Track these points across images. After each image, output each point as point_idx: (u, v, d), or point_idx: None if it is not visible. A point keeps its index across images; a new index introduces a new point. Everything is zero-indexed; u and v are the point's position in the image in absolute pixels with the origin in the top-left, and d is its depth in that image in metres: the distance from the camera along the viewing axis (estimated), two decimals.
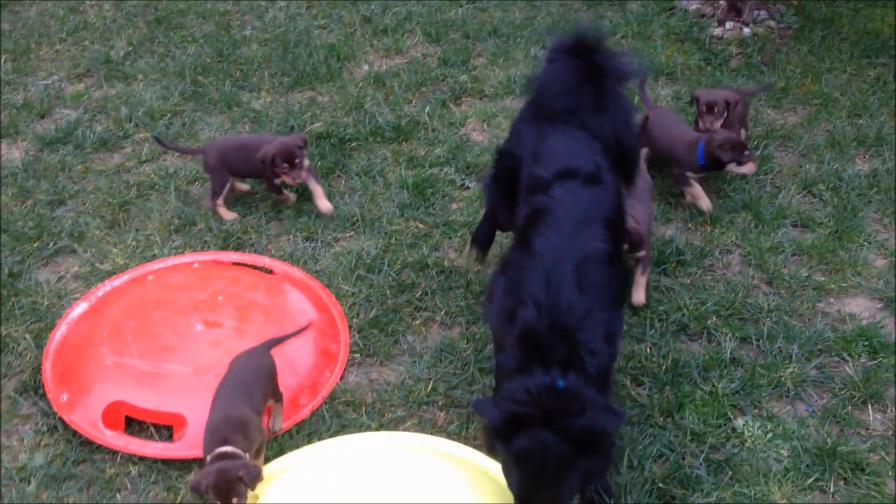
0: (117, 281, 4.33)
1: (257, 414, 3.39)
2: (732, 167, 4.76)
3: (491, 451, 3.10)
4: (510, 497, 3.10)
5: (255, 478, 3.14)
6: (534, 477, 2.93)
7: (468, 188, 5.08)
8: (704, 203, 4.81)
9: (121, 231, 4.78)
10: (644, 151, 4.87)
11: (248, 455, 3.21)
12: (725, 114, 4.96)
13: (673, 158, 4.90)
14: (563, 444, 2.88)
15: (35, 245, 4.66)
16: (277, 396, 3.63)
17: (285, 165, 4.71)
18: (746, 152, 4.75)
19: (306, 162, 4.80)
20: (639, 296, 4.22)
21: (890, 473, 3.49)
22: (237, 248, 4.64)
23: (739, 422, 3.69)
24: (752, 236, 4.65)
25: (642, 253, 4.19)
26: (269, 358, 3.61)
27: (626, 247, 4.00)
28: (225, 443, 3.19)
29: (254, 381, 3.49)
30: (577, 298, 3.12)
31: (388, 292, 4.35)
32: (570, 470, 2.91)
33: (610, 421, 3.00)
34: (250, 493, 3.14)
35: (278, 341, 3.71)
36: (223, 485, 3.08)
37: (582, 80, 3.70)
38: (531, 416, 2.92)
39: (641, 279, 4.24)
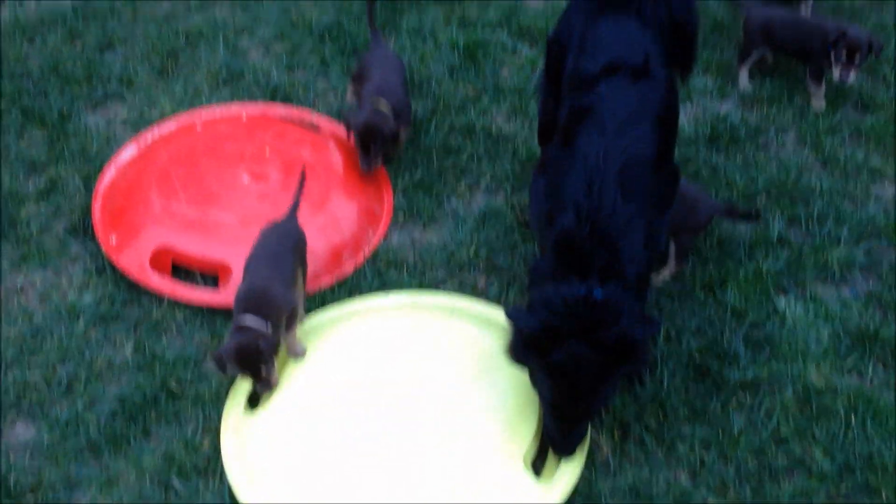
0: (166, 128, 4.32)
1: (286, 285, 3.32)
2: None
3: (516, 358, 3.04)
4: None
5: (273, 347, 3.14)
6: (568, 389, 2.90)
7: (521, 53, 4.96)
8: (822, 103, 4.59)
9: (169, 79, 4.75)
10: (756, 53, 4.69)
11: (270, 325, 3.16)
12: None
13: (812, 53, 4.56)
14: (598, 358, 2.85)
15: (84, 88, 4.65)
16: (304, 268, 3.53)
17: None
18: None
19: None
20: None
21: None
22: (284, 102, 4.59)
23: (782, 301, 3.67)
24: (810, 116, 4.51)
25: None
26: (296, 226, 3.54)
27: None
28: (247, 311, 3.16)
29: (282, 251, 3.41)
30: (619, 204, 3.01)
31: (434, 154, 4.31)
32: (604, 382, 2.90)
33: (645, 330, 2.95)
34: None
35: (296, 206, 3.62)
36: (246, 359, 3.10)
37: None
38: (567, 327, 2.87)
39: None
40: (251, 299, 3.20)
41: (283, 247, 3.43)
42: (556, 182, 3.19)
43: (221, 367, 3.11)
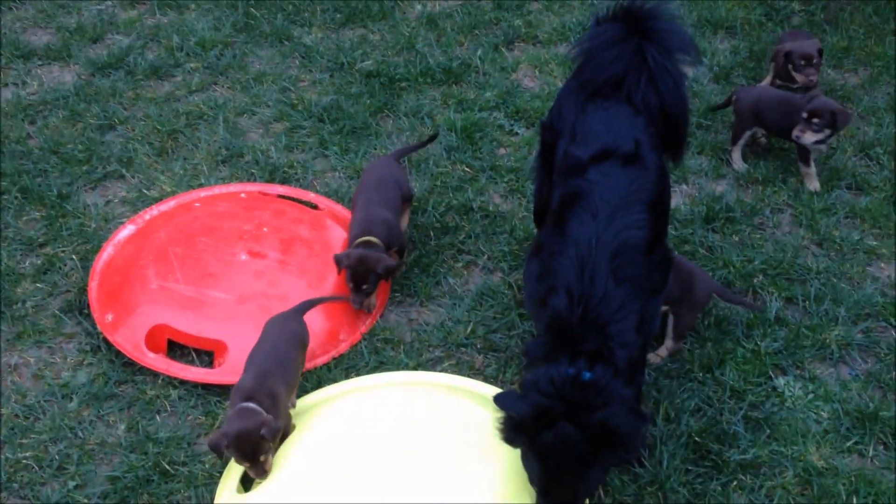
0: (165, 206, 4.35)
1: (289, 388, 3.30)
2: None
3: (508, 440, 3.00)
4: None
5: (276, 431, 3.09)
6: (555, 471, 2.87)
7: (517, 134, 5.03)
8: (815, 184, 4.63)
9: (169, 159, 4.79)
10: (747, 133, 4.79)
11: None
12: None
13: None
14: (585, 440, 2.82)
15: (84, 168, 4.68)
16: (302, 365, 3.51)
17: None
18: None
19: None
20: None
21: None
22: (283, 182, 4.64)
23: (780, 381, 3.65)
24: (805, 197, 4.56)
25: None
26: (302, 325, 3.51)
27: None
28: (249, 399, 3.12)
29: (287, 350, 3.37)
30: (611, 289, 3.00)
31: (432, 233, 4.33)
32: (591, 465, 2.86)
33: (633, 421, 2.91)
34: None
35: (312, 305, 3.65)
36: (247, 445, 3.04)
37: (627, 46, 3.48)
38: (556, 409, 2.85)
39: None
40: (256, 389, 3.16)
41: (288, 344, 3.39)
42: (549, 265, 3.18)
43: (218, 451, 3.06)
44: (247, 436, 3.02)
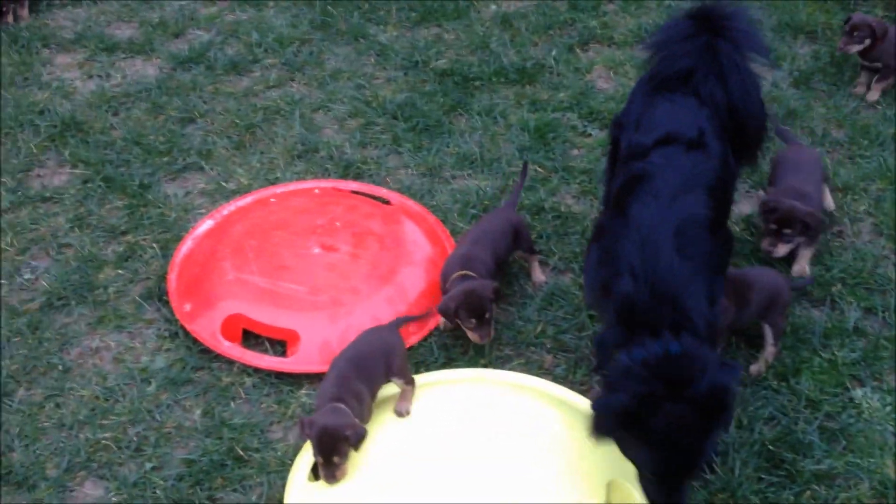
0: (242, 201, 4.43)
1: (370, 392, 3.30)
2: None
3: (609, 436, 2.95)
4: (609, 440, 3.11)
5: (361, 438, 3.10)
6: (672, 454, 2.82)
7: (590, 135, 5.01)
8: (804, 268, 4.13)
9: (246, 152, 4.88)
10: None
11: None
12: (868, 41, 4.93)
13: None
14: (696, 414, 2.77)
15: (165, 159, 4.79)
16: (407, 379, 3.44)
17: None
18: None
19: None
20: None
21: None
22: (356, 178, 4.68)
23: (858, 392, 3.58)
24: (886, 205, 4.46)
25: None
26: (396, 337, 3.49)
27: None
28: (338, 400, 3.14)
29: (374, 358, 3.35)
30: (677, 263, 2.99)
31: None
32: (706, 438, 2.82)
33: (729, 375, 2.88)
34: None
35: (407, 321, 3.67)
36: (328, 441, 3.06)
37: (698, 41, 3.52)
38: (656, 390, 2.79)
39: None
40: (344, 391, 3.19)
41: (375, 353, 3.37)
42: (611, 249, 3.17)
43: (304, 436, 3.12)
44: (333, 432, 3.05)
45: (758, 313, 3.63)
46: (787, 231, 3.93)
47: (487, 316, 3.65)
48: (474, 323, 3.65)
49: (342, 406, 3.12)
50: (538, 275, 4.13)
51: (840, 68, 5.38)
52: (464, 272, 3.76)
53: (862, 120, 5.03)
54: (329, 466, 3.09)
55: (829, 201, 4.36)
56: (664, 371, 2.82)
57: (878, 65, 5.15)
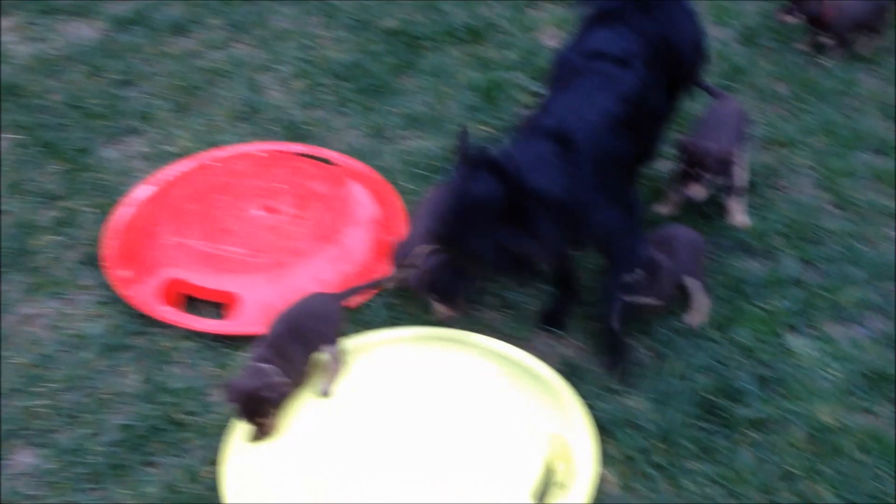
0: (184, 166, 4.38)
1: (304, 354, 3.24)
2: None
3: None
4: (551, 392, 3.18)
5: (282, 397, 3.08)
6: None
7: (539, 94, 4.98)
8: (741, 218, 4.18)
9: (188, 115, 4.81)
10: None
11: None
12: None
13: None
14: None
15: (104, 123, 4.71)
16: (336, 353, 3.33)
17: None
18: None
19: None
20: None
21: None
22: (301, 140, 4.64)
23: (793, 340, 3.63)
24: (827, 159, 4.50)
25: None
26: (337, 306, 3.41)
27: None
28: (264, 361, 3.10)
29: (310, 322, 3.28)
30: (586, 109, 3.39)
31: None
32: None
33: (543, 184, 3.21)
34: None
35: (354, 292, 3.59)
36: (247, 402, 3.03)
37: None
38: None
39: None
40: (273, 353, 3.14)
41: (309, 321, 3.29)
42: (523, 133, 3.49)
43: (226, 398, 3.10)
44: (251, 393, 3.03)
45: (686, 269, 3.65)
46: (701, 171, 3.91)
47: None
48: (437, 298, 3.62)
49: (265, 366, 3.09)
50: None
51: (786, 25, 5.38)
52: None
53: (806, 75, 5.05)
54: (255, 425, 3.09)
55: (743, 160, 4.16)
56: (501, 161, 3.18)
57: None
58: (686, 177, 3.98)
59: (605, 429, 3.29)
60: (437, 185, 4.10)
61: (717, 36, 5.35)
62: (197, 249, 3.86)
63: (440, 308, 3.70)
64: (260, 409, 3.06)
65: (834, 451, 3.23)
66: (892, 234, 4.13)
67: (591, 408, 3.35)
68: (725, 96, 4.40)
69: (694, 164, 3.94)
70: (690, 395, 3.40)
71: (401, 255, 3.74)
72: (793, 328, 3.70)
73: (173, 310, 3.72)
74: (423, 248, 3.62)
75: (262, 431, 3.10)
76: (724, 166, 3.97)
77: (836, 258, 3.97)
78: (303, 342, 3.25)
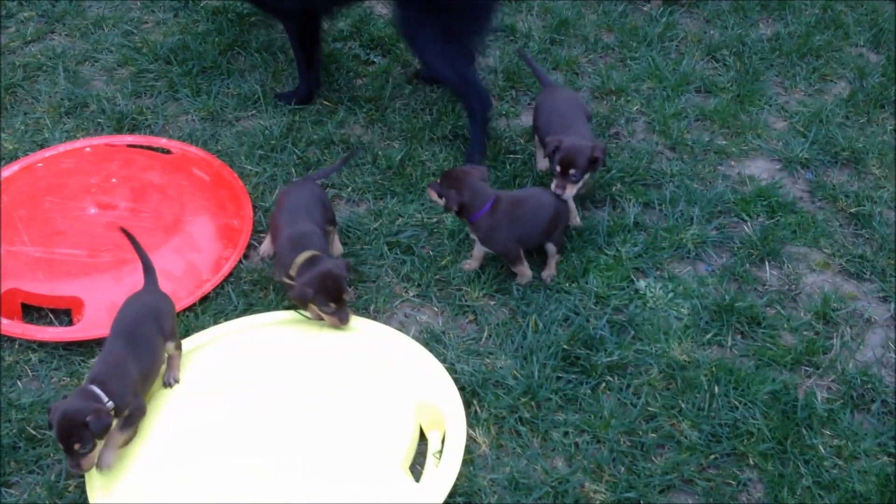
0: (6, 172, 4.14)
1: (143, 370, 3.10)
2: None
3: None
4: (415, 361, 3.20)
5: (104, 427, 2.88)
6: None
7: (373, 63, 4.96)
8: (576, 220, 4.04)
9: (8, 115, 4.55)
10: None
11: (112, 402, 2.94)
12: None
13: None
14: None
15: None
16: (177, 343, 3.30)
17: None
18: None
19: None
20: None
21: (785, 326, 3.61)
22: (132, 131, 4.47)
23: (642, 283, 3.75)
24: (657, 103, 4.65)
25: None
26: (163, 297, 3.30)
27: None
28: (95, 382, 2.96)
29: (145, 325, 3.16)
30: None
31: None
32: None
33: None
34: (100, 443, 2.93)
35: (150, 270, 3.37)
36: (66, 427, 2.84)
37: None
38: None
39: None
40: (100, 378, 2.98)
41: (142, 324, 3.16)
42: None
43: (49, 419, 2.91)
44: (71, 418, 2.84)
45: (546, 234, 3.72)
46: (573, 171, 3.73)
47: (345, 296, 3.45)
48: (333, 307, 3.44)
49: (93, 388, 2.93)
50: (338, 246, 3.89)
51: None
52: (312, 253, 3.46)
53: (630, 23, 5.20)
54: (72, 455, 2.88)
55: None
56: None
57: None
58: (558, 176, 3.75)
59: (472, 391, 3.34)
60: (290, 184, 3.99)
61: None
62: (32, 256, 3.67)
63: (329, 318, 3.49)
64: (78, 435, 2.85)
65: (689, 387, 3.36)
66: (723, 170, 4.31)
67: (456, 372, 3.38)
68: (554, 84, 4.39)
69: (566, 164, 3.73)
70: (551, 349, 3.47)
71: (282, 271, 3.52)
72: (640, 271, 3.83)
73: (13, 322, 3.53)
74: (303, 257, 3.45)
75: (78, 462, 2.90)
76: (599, 161, 3.80)
77: (674, 199, 4.12)
78: (145, 350, 3.12)
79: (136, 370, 3.07)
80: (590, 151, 3.75)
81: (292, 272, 3.45)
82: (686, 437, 3.21)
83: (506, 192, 3.79)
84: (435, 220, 4.02)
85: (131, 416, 3.04)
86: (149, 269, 3.34)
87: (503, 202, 3.65)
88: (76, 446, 2.87)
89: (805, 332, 3.60)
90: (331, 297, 3.42)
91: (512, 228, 3.63)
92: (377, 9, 5.32)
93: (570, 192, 3.79)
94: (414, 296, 3.73)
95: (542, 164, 4.20)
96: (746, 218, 4.05)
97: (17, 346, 3.49)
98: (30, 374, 3.43)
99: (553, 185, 3.77)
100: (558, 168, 3.74)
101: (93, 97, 4.64)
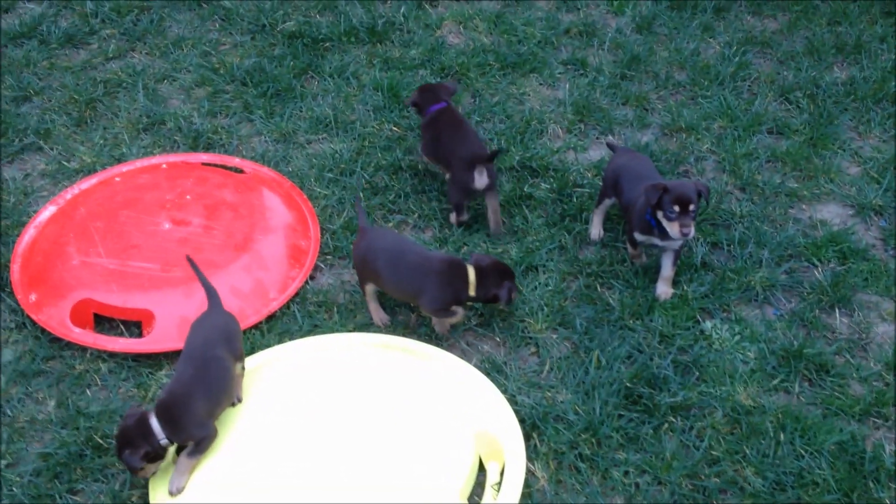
0: (85, 184, 4.25)
1: (211, 396, 3.14)
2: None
3: None
4: (476, 390, 3.21)
5: (137, 467, 3.00)
6: None
7: None
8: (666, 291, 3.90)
9: (88, 129, 4.68)
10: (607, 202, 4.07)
11: (169, 437, 3.03)
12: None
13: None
14: None
15: (0, 142, 4.55)
16: (243, 362, 3.36)
17: None
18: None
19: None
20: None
21: (854, 376, 3.54)
22: (207, 149, 4.57)
23: (708, 325, 3.72)
24: (728, 143, 4.62)
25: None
26: (230, 318, 3.34)
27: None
28: (157, 409, 3.03)
29: (209, 352, 3.17)
30: None
31: (362, 195, 4.30)
32: None
33: None
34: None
35: (210, 290, 3.40)
36: (116, 445, 3.04)
37: None
38: None
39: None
40: (165, 407, 3.05)
41: (213, 348, 3.18)
42: None
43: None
44: (117, 442, 3.02)
45: None
46: (692, 207, 3.60)
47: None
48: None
49: (152, 422, 3.01)
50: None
51: (680, 12, 5.51)
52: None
53: (702, 61, 5.18)
54: (133, 472, 3.05)
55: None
56: None
57: None
58: (678, 217, 3.60)
59: (532, 424, 3.33)
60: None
61: (613, 25, 5.46)
62: (106, 268, 3.76)
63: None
64: (122, 459, 3.01)
65: (754, 432, 3.32)
66: (794, 213, 4.26)
67: (517, 403, 3.38)
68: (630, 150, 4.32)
69: (681, 202, 3.58)
70: (613, 385, 3.45)
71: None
72: (706, 311, 3.79)
73: (86, 331, 3.61)
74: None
75: (134, 473, 3.06)
76: (706, 196, 3.68)
77: (743, 240, 4.08)
78: (209, 376, 3.14)
79: (205, 397, 3.10)
80: (695, 187, 3.65)
81: None
82: (749, 484, 3.16)
83: None
84: (500, 249, 4.03)
85: (200, 444, 3.10)
86: (212, 295, 3.38)
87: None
88: (124, 465, 3.03)
89: (875, 383, 3.53)
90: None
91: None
92: (449, 39, 5.37)
93: (693, 228, 3.64)
94: (476, 325, 3.74)
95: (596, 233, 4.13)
96: (817, 263, 3.99)
97: (88, 356, 3.57)
98: (99, 383, 3.50)
99: (675, 229, 3.61)
100: (676, 208, 3.59)
101: (170, 115, 4.75)
